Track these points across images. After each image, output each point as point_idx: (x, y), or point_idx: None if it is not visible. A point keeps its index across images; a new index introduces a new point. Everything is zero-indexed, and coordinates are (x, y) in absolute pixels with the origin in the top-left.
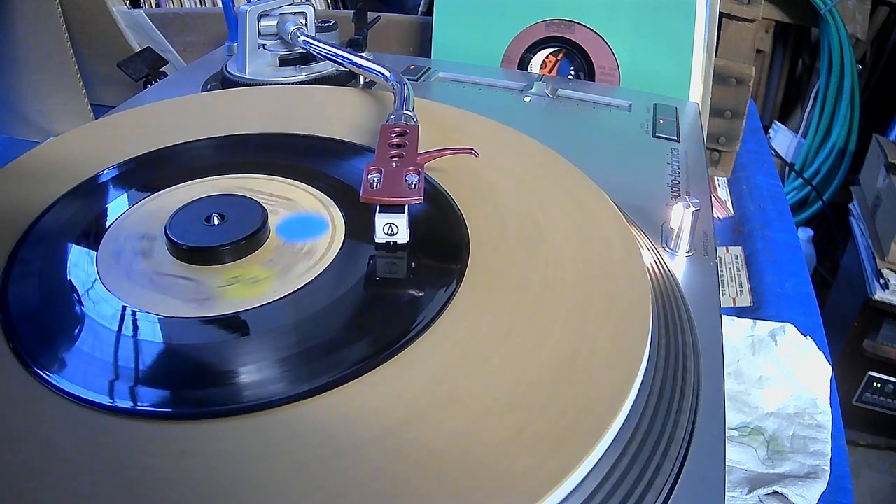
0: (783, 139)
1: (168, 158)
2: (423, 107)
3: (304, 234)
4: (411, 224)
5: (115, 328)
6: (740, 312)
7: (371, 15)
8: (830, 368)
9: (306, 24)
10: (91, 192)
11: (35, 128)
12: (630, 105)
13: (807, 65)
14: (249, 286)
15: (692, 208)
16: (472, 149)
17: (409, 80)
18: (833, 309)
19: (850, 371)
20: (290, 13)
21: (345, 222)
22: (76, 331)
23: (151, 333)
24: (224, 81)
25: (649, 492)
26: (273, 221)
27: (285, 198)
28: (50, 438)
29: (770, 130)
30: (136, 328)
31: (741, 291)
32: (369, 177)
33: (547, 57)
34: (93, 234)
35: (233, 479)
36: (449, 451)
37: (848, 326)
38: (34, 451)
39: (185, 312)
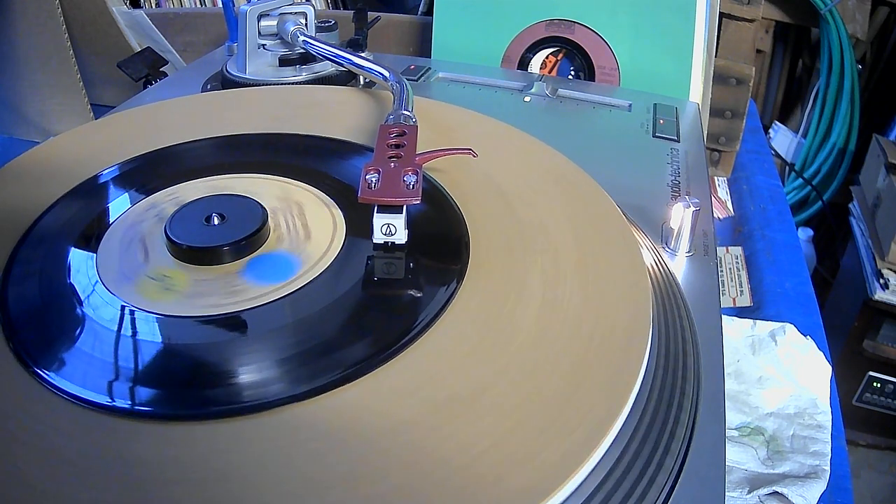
0: (783, 139)
1: (168, 158)
2: (423, 107)
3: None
4: (411, 224)
5: (115, 328)
6: (740, 312)
7: (371, 15)
8: (830, 368)
9: (306, 24)
10: (91, 193)
11: (35, 128)
12: (630, 105)
13: (807, 65)
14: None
15: (692, 208)
16: (470, 149)
17: (409, 80)
18: (833, 309)
19: (850, 371)
20: (290, 13)
21: (346, 222)
22: (76, 331)
23: (151, 333)
24: (224, 81)
25: (651, 489)
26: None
27: (285, 197)
28: (50, 439)
29: (770, 130)
30: (135, 328)
31: (741, 291)
32: (367, 177)
33: (547, 57)
34: (93, 235)
35: (232, 479)
36: (449, 452)
37: (848, 326)
38: (34, 451)
39: (186, 312)
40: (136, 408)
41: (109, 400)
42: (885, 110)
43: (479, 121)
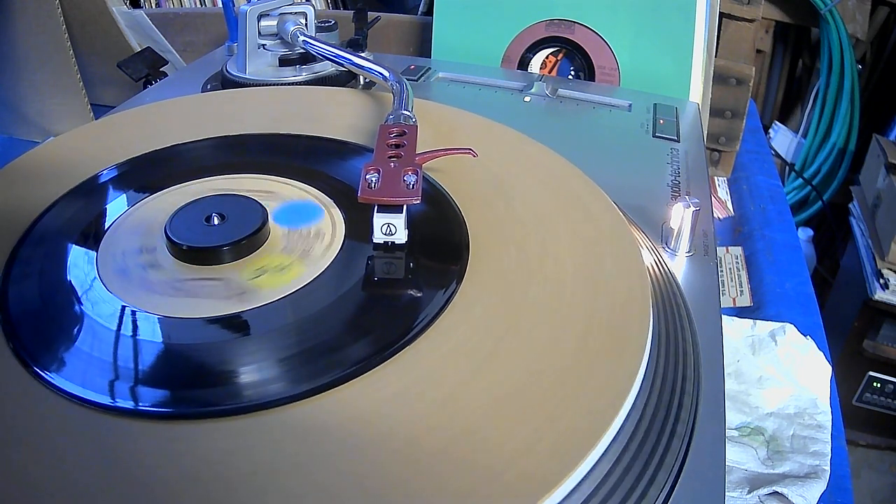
0: (783, 139)
1: (168, 159)
2: (423, 107)
3: (302, 221)
4: (411, 224)
5: (115, 328)
6: (740, 312)
7: (371, 15)
8: (830, 368)
9: (306, 24)
10: (91, 193)
11: (35, 128)
12: (630, 105)
13: (807, 65)
14: (277, 274)
15: (692, 208)
16: (470, 149)
17: (409, 80)
18: (833, 309)
19: (850, 371)
20: (290, 13)
21: (345, 222)
22: (76, 331)
23: (151, 333)
24: (224, 81)
25: (651, 488)
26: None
27: (285, 197)
28: (50, 438)
29: (770, 130)
30: (135, 328)
31: (741, 291)
32: (367, 177)
33: (547, 57)
34: (93, 235)
35: (232, 478)
36: (448, 451)
37: (848, 326)
38: (34, 451)
39: (184, 312)
40: (136, 407)
41: (110, 400)
42: (885, 110)
43: (479, 121)
